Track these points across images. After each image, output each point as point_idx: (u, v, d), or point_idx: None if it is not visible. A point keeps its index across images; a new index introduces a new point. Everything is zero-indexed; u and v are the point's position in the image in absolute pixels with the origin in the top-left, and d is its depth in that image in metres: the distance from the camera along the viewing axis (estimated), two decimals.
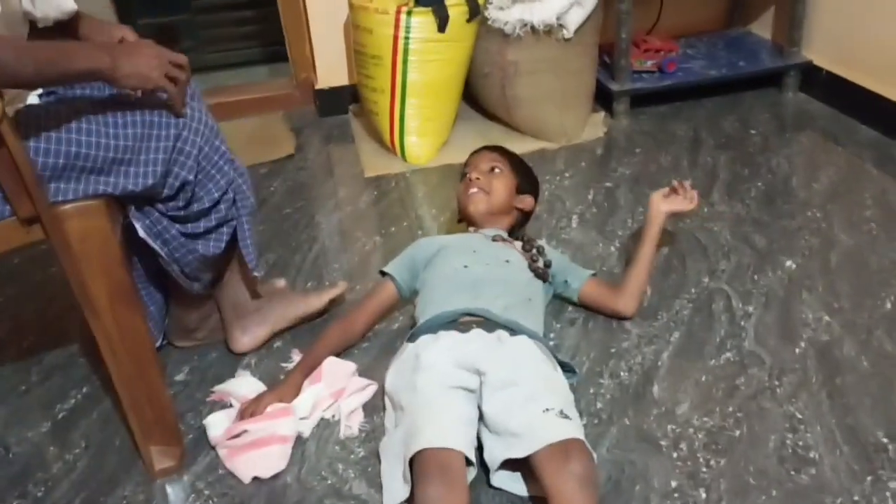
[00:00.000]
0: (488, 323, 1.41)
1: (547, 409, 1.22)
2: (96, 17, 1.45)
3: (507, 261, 1.59)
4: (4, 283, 1.99)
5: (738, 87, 2.71)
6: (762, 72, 2.68)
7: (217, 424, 1.41)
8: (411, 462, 1.16)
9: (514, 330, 1.41)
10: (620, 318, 1.64)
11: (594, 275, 1.68)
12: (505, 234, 1.69)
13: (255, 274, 1.60)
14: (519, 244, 1.68)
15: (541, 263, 1.62)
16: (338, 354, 1.55)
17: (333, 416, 1.45)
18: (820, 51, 2.61)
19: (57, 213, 1.21)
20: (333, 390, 1.47)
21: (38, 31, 1.33)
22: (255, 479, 1.33)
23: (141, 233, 1.38)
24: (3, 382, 1.63)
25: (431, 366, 1.33)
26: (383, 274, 1.65)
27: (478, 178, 1.71)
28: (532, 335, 1.42)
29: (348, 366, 1.53)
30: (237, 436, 1.37)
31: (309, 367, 1.50)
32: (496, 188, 1.71)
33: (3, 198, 1.17)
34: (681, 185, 1.74)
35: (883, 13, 2.33)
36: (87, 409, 1.53)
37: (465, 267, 1.54)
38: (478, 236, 1.67)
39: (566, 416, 1.22)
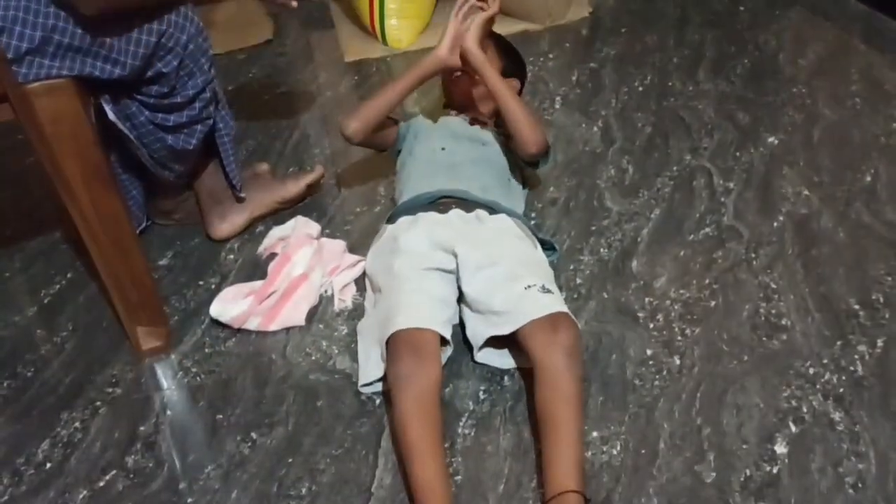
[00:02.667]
0: (467, 203, 1.41)
1: (528, 286, 1.24)
2: None
3: (484, 143, 1.56)
4: None
5: None
6: None
7: (227, 309, 1.41)
8: (387, 344, 1.18)
9: (493, 209, 1.41)
10: (538, 156, 1.52)
11: None
12: (485, 118, 1.65)
13: (241, 195, 1.61)
14: (492, 122, 1.65)
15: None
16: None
17: (326, 292, 1.47)
18: None
19: (25, 91, 1.18)
20: (328, 269, 1.49)
21: None
22: (240, 355, 1.36)
23: (110, 115, 1.36)
24: None
25: (408, 249, 1.34)
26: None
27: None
28: (511, 214, 1.42)
29: (339, 244, 1.55)
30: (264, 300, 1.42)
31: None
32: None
33: None
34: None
35: None
36: (72, 293, 1.55)
37: (443, 149, 1.53)
38: (456, 119, 1.64)
39: (548, 291, 1.24)
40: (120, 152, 1.51)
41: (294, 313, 1.42)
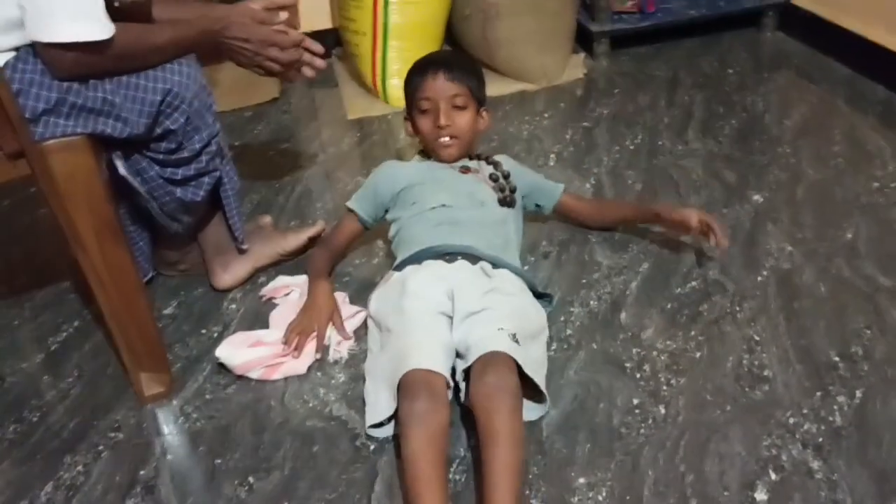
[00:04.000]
0: (472, 256, 1.46)
1: (501, 329, 1.28)
2: None
3: (483, 203, 1.58)
4: None
5: (718, 27, 2.74)
6: (741, 11, 2.71)
7: (235, 355, 1.46)
8: (400, 383, 1.21)
9: (496, 264, 1.46)
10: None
11: (565, 190, 1.71)
12: (470, 163, 1.65)
13: (243, 247, 1.67)
14: (485, 169, 1.64)
15: (507, 192, 1.62)
16: None
17: (326, 342, 1.51)
18: None
19: (41, 148, 1.26)
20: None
21: (113, 10, 1.29)
22: (240, 401, 1.41)
23: (121, 170, 1.43)
24: None
25: (417, 292, 1.38)
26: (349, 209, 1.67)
27: (448, 126, 1.59)
28: (514, 270, 1.48)
29: (340, 295, 1.61)
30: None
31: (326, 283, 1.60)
32: (464, 129, 1.61)
33: None
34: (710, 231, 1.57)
35: None
36: (78, 341, 1.60)
37: (444, 206, 1.55)
38: (443, 168, 1.63)
39: (515, 341, 1.27)
40: (128, 205, 1.57)
41: (297, 365, 1.47)
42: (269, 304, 1.64)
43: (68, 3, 1.21)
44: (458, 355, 1.32)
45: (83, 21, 1.22)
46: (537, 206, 1.70)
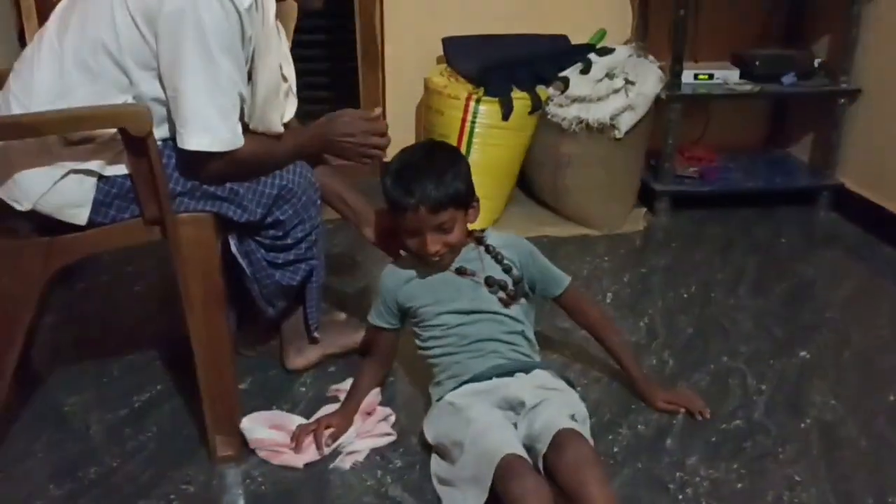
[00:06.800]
0: (505, 373, 1.55)
1: (562, 412, 1.40)
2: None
3: (488, 307, 1.57)
4: (93, 297, 2.22)
5: (774, 201, 2.91)
6: (797, 189, 2.89)
7: (252, 429, 1.57)
8: (498, 467, 1.28)
9: (528, 369, 1.56)
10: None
11: (567, 289, 1.71)
12: (468, 262, 1.60)
13: (314, 335, 1.82)
14: (486, 263, 1.60)
15: (507, 292, 1.59)
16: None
17: (341, 446, 1.58)
18: (852, 175, 2.81)
19: (176, 218, 1.44)
20: (360, 432, 1.62)
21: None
22: (303, 473, 1.51)
23: (233, 248, 1.61)
24: (89, 374, 1.84)
25: (473, 406, 1.47)
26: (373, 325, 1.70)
27: (438, 250, 1.54)
28: (543, 367, 1.58)
29: (384, 412, 1.68)
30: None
31: (357, 402, 1.66)
32: (455, 241, 1.55)
33: (135, 200, 1.42)
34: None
35: None
36: (159, 402, 1.73)
37: (459, 325, 1.57)
38: (441, 276, 1.60)
39: (574, 419, 1.39)
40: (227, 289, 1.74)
41: (295, 459, 1.53)
42: (334, 398, 1.75)
43: (200, 116, 1.40)
44: (527, 450, 1.38)
45: (211, 133, 1.41)
46: (542, 295, 1.71)
